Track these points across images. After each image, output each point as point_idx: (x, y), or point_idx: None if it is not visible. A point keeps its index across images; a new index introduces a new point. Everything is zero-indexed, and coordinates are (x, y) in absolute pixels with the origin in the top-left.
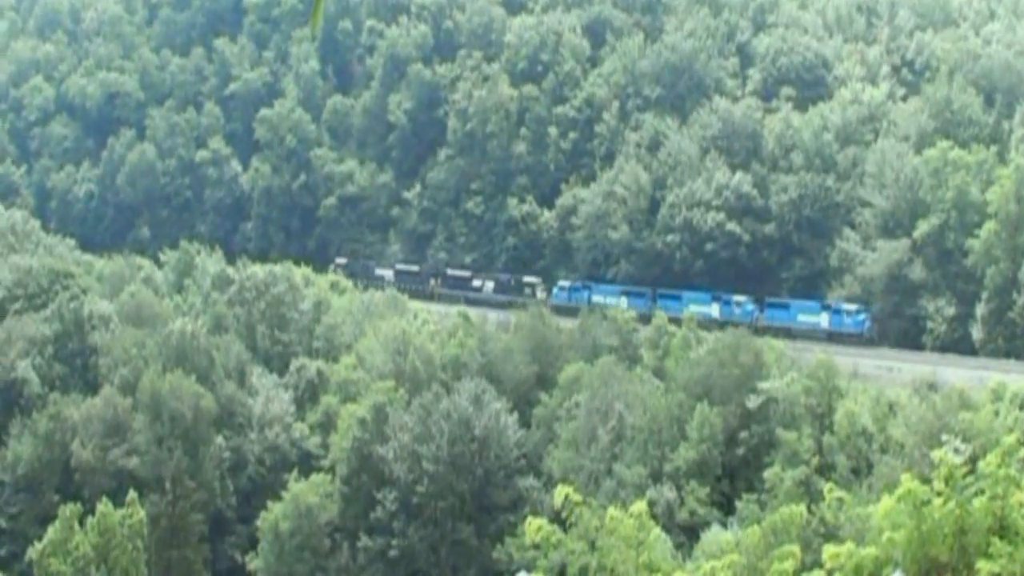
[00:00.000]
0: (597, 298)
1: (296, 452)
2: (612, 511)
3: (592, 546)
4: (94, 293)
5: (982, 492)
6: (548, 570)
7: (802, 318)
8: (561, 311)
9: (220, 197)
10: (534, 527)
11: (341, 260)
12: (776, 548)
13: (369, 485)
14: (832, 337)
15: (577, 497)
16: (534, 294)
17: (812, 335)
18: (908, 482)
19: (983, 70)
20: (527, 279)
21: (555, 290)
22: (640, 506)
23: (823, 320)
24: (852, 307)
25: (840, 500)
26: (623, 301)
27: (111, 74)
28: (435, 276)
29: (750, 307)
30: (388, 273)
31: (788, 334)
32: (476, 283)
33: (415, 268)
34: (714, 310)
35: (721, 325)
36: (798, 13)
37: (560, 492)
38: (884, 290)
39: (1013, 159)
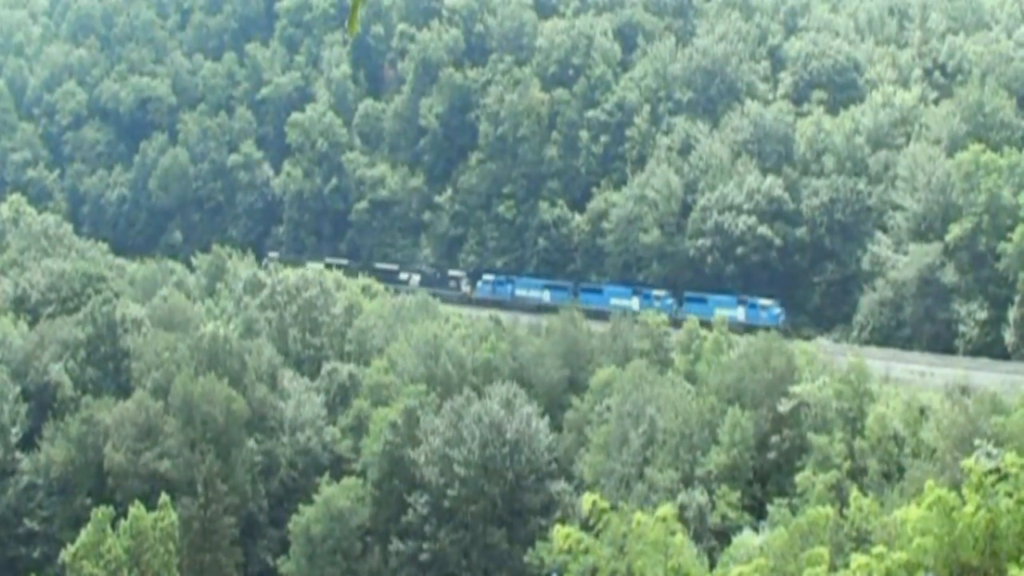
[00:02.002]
0: (520, 291)
1: (327, 455)
2: (638, 516)
3: (621, 551)
4: (126, 297)
5: (1009, 495)
6: (579, 574)
7: (719, 311)
8: (485, 303)
9: (252, 201)
10: (562, 535)
11: (273, 254)
12: (804, 551)
13: (400, 489)
14: (749, 330)
15: (604, 503)
16: (459, 287)
17: (729, 328)
18: (934, 491)
19: (1015, 73)
20: (452, 272)
21: (479, 283)
22: (666, 510)
23: (739, 313)
24: (767, 301)
25: (867, 506)
26: (545, 294)
27: (143, 79)
28: (363, 269)
29: (669, 301)
30: (318, 267)
31: (706, 326)
32: (403, 276)
33: (345, 261)
34: (634, 304)
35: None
36: (829, 16)
37: (587, 499)
38: (916, 294)
39: None
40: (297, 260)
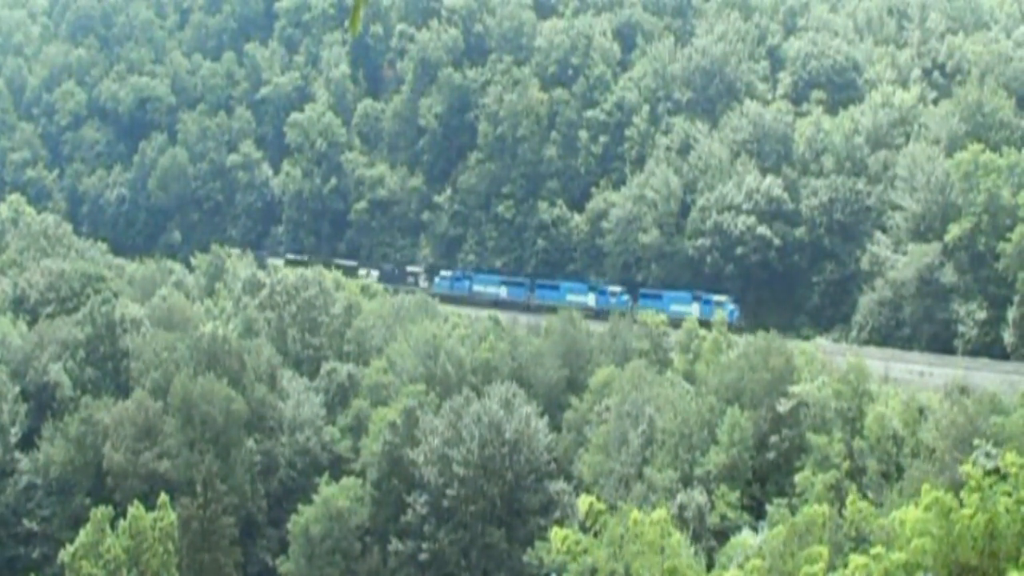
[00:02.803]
0: (478, 287)
1: (327, 455)
2: (635, 515)
3: (620, 551)
4: (125, 297)
5: (1008, 495)
6: (579, 574)
7: (675, 308)
8: (444, 299)
9: (251, 201)
10: (560, 536)
11: (235, 251)
12: (802, 550)
13: (399, 489)
14: (703, 325)
15: (601, 506)
16: (417, 283)
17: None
18: (930, 493)
19: (1014, 73)
20: (411, 268)
21: (437, 279)
22: (661, 512)
23: (694, 310)
24: (722, 298)
25: (864, 509)
26: (502, 290)
27: (142, 79)
28: (323, 265)
29: (625, 297)
30: (279, 263)
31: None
32: (362, 272)
33: (304, 257)
34: (590, 299)
35: (597, 313)
36: (829, 16)
37: (584, 501)
38: (915, 294)
39: None
40: (259, 257)
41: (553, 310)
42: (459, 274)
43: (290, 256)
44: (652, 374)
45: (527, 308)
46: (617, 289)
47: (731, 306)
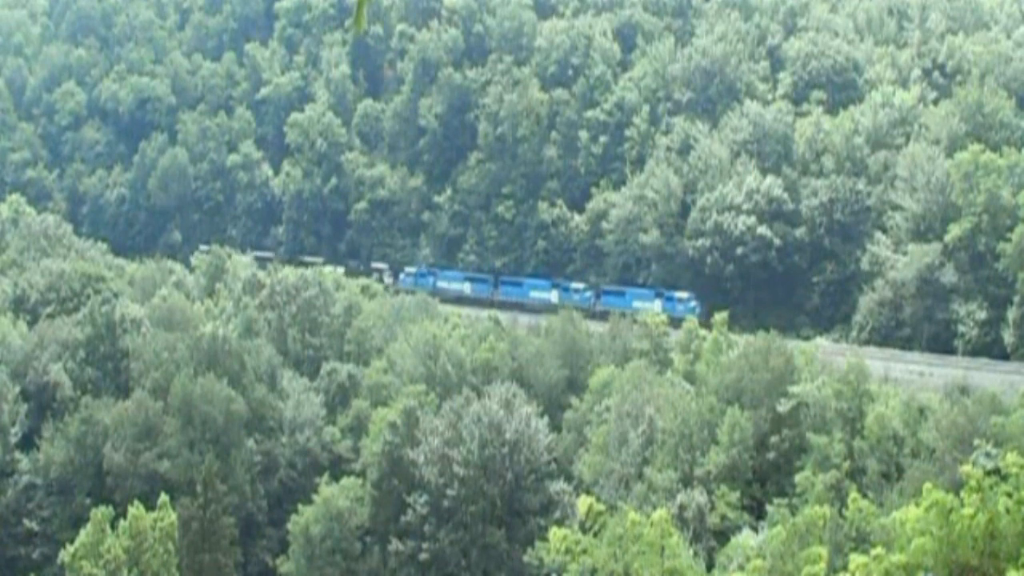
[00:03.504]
0: (442, 284)
1: (327, 456)
2: (634, 516)
3: (619, 551)
4: (126, 297)
5: (1009, 495)
6: (579, 575)
7: (637, 304)
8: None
9: (251, 201)
10: (558, 536)
11: (205, 247)
12: (802, 551)
13: (400, 489)
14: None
15: (601, 506)
16: (381, 279)
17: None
18: (932, 493)
19: (1014, 73)
20: (375, 265)
21: (401, 276)
22: (661, 513)
23: (657, 306)
24: (684, 295)
25: (864, 508)
26: (466, 286)
27: (143, 79)
28: (290, 263)
29: (588, 294)
30: (247, 259)
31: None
32: (327, 269)
33: (270, 255)
34: (553, 296)
35: (559, 310)
36: (829, 16)
37: (584, 502)
38: (915, 294)
39: None
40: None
41: (517, 306)
42: (423, 271)
43: (256, 254)
44: (652, 374)
45: (491, 304)
46: (580, 286)
47: (693, 302)
